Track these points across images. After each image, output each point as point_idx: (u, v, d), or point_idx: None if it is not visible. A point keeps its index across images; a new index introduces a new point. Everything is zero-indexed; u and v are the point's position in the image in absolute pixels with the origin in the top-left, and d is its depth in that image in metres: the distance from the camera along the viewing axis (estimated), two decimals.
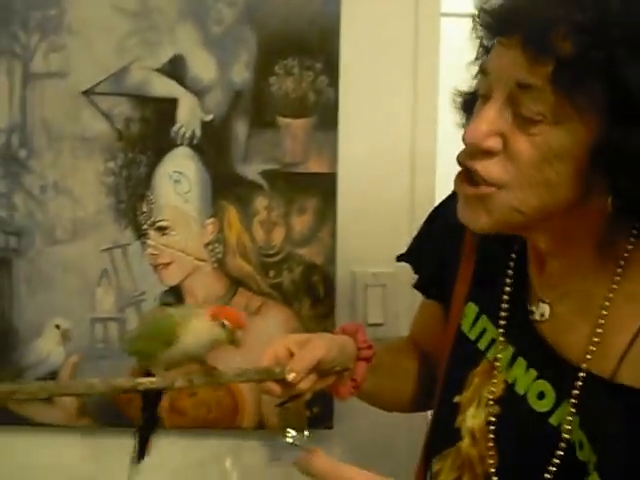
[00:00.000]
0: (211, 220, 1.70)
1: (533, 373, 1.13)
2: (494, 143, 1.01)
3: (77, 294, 1.71)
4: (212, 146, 1.69)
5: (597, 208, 1.02)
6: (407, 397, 1.41)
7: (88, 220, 1.70)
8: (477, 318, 1.24)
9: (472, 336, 1.24)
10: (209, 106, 1.68)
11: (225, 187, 1.69)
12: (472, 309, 1.25)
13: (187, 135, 1.68)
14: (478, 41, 1.10)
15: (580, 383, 1.07)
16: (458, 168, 1.08)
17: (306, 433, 1.17)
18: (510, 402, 1.15)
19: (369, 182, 1.75)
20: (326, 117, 1.70)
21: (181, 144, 1.68)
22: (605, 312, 1.07)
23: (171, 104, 1.68)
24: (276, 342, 1.19)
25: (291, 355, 1.18)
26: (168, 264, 1.70)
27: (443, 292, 1.33)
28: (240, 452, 1.78)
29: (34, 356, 1.71)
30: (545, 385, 1.11)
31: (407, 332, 1.55)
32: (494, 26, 1.03)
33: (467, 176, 1.05)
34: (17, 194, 1.69)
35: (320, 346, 1.19)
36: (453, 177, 1.12)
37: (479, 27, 1.07)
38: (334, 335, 1.31)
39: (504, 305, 1.19)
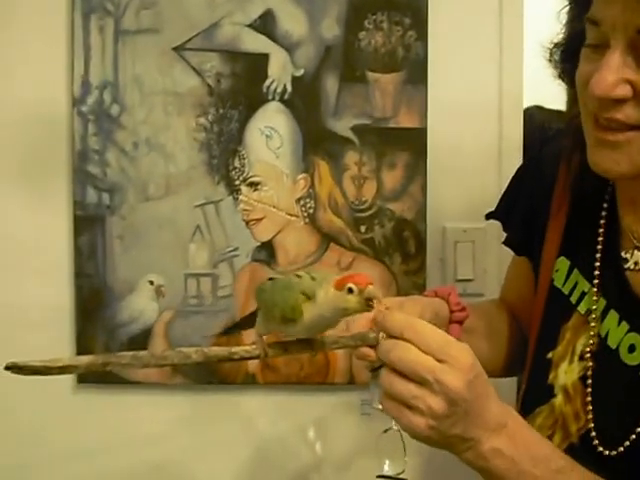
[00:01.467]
0: (302, 175, 1.70)
1: (625, 326, 1.12)
2: (624, 91, 1.01)
3: (170, 250, 1.71)
4: (303, 101, 1.69)
5: None
6: (501, 360, 1.40)
7: (180, 176, 1.70)
8: (570, 272, 1.23)
9: (565, 290, 1.23)
10: (300, 61, 1.68)
11: (316, 142, 1.69)
12: (564, 263, 1.24)
13: (278, 90, 1.68)
14: None
15: None
16: None
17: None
18: (603, 356, 1.14)
19: (458, 137, 1.74)
20: (415, 72, 1.70)
21: (272, 99, 1.68)
22: None
23: (262, 59, 1.68)
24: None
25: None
26: (260, 219, 1.70)
27: (533, 248, 1.32)
28: (331, 408, 1.77)
29: (128, 313, 1.71)
30: (636, 338, 1.10)
31: (497, 288, 1.56)
32: None
33: (599, 124, 1.05)
34: (109, 151, 1.69)
35: (414, 310, 1.18)
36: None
37: None
38: (427, 298, 1.30)
39: (597, 255, 1.19)
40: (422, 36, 1.70)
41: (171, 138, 1.68)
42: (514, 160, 1.68)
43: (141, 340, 1.71)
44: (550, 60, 1.19)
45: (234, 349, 1.03)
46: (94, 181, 1.69)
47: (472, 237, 1.75)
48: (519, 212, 1.37)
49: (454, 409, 0.94)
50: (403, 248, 1.73)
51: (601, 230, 1.20)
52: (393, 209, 1.72)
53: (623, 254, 1.15)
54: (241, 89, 1.68)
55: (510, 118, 1.76)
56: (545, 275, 1.28)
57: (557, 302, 1.24)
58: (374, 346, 1.07)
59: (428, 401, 0.94)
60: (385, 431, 1.16)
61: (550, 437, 1.17)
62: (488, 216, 1.44)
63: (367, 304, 0.99)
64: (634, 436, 1.06)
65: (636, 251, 1.14)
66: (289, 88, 1.68)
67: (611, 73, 0.99)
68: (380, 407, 1.03)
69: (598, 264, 1.19)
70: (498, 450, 0.98)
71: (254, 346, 1.05)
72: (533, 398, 1.23)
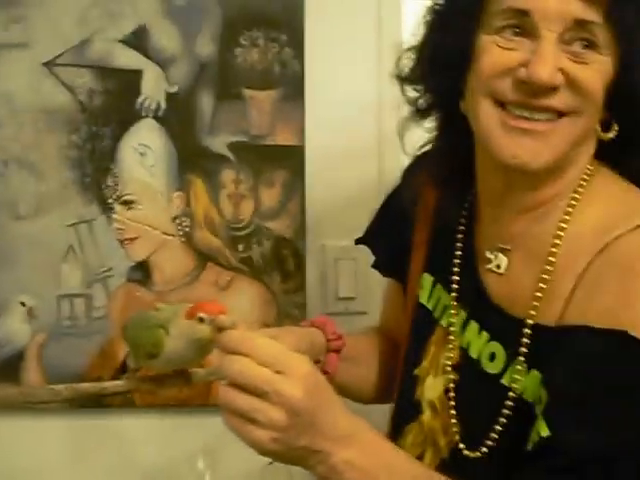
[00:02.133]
0: (178, 193, 1.67)
1: (484, 335, 1.13)
2: (560, 79, 1.03)
3: (42, 270, 1.67)
4: (177, 118, 1.66)
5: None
6: (378, 387, 1.40)
7: (52, 195, 1.66)
8: (433, 287, 1.25)
9: (430, 306, 1.24)
10: (174, 77, 1.66)
11: (191, 160, 1.66)
12: (428, 279, 1.26)
13: (152, 107, 1.65)
14: None
15: (527, 339, 1.07)
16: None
17: None
18: (465, 367, 1.15)
19: (337, 154, 1.73)
20: (292, 89, 1.68)
21: (146, 116, 1.65)
22: (552, 258, 1.08)
23: (135, 76, 1.65)
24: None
25: None
26: (135, 239, 1.67)
27: (402, 270, 1.34)
28: (214, 431, 1.73)
29: None
30: (495, 346, 1.11)
31: (379, 305, 1.54)
32: None
33: (514, 115, 1.05)
34: None
35: (287, 339, 1.17)
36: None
37: None
38: (302, 328, 1.31)
39: (455, 269, 1.20)
40: (299, 53, 1.69)
41: (42, 156, 1.64)
42: (394, 176, 1.66)
43: (13, 364, 1.66)
44: (413, 78, 1.19)
45: (105, 384, 1.04)
46: None
47: (353, 255, 1.73)
48: (386, 236, 1.38)
49: (296, 420, 0.93)
50: (282, 267, 1.71)
51: (459, 244, 1.21)
52: (271, 227, 1.70)
53: (488, 254, 1.16)
54: (114, 106, 1.64)
55: (390, 130, 1.73)
56: (411, 293, 1.30)
57: (422, 318, 1.26)
58: None
59: (269, 413, 0.92)
60: (270, 463, 1.18)
61: (421, 455, 1.18)
62: (357, 241, 1.46)
63: (214, 332, 0.99)
64: (495, 435, 1.07)
65: (500, 254, 1.14)
66: (163, 105, 1.65)
67: (550, 61, 1.01)
68: None
69: (457, 278, 1.20)
70: (350, 462, 0.96)
71: (126, 381, 1.04)
72: (402, 416, 1.24)
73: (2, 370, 1.66)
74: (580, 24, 1.03)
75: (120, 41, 1.65)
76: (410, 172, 1.36)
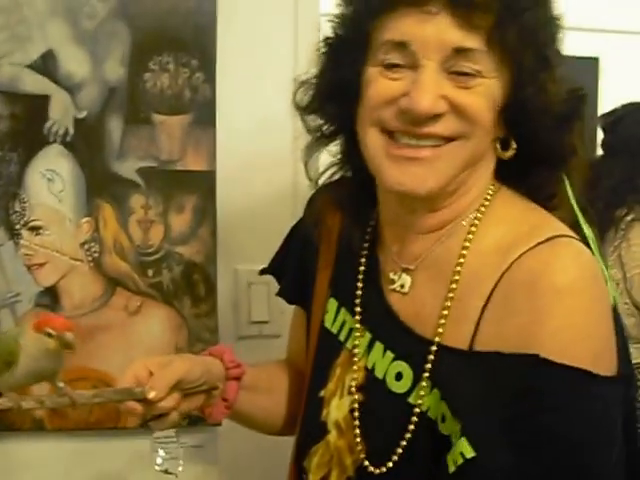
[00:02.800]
0: (86, 219, 1.66)
1: (390, 355, 1.15)
2: (443, 107, 1.06)
3: None
4: (86, 143, 1.65)
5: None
6: (283, 417, 1.41)
7: None
8: (338, 312, 1.27)
9: (334, 330, 1.27)
10: (82, 103, 1.65)
11: (100, 185, 1.66)
12: (333, 304, 1.28)
13: (60, 132, 1.64)
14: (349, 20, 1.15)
15: (432, 357, 1.10)
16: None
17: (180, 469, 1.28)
18: (371, 388, 1.17)
19: (249, 179, 1.74)
20: (203, 114, 1.69)
21: (54, 142, 1.64)
22: (457, 277, 1.10)
23: (43, 101, 1.63)
24: (135, 363, 1.19)
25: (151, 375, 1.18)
26: (43, 264, 1.65)
27: (306, 297, 1.36)
28: (125, 454, 1.73)
29: None
30: (402, 365, 1.14)
31: None
32: None
33: (398, 143, 1.09)
34: None
35: (180, 365, 1.20)
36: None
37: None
38: (199, 356, 1.32)
39: (358, 292, 1.23)
40: (210, 77, 1.69)
41: None
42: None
43: None
44: (311, 107, 1.22)
45: None
46: None
47: (266, 279, 1.71)
48: (290, 264, 1.41)
49: None
50: (193, 291, 1.72)
51: (362, 268, 1.24)
52: (182, 252, 1.71)
53: (391, 275, 1.18)
54: (21, 131, 1.62)
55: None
56: (316, 317, 1.32)
57: (328, 342, 1.28)
58: (142, 400, 1.12)
59: None
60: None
61: (327, 475, 1.21)
62: (262, 272, 1.48)
63: (67, 347, 1.06)
64: (400, 450, 1.11)
65: (403, 274, 1.17)
66: (71, 130, 1.64)
67: (429, 89, 1.04)
68: (160, 469, 1.07)
69: (359, 300, 1.23)
70: None
71: (6, 398, 1.06)
72: (308, 437, 1.26)
73: None
74: (460, 52, 1.05)
75: (27, 66, 1.63)
76: (313, 201, 1.38)
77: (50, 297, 1.68)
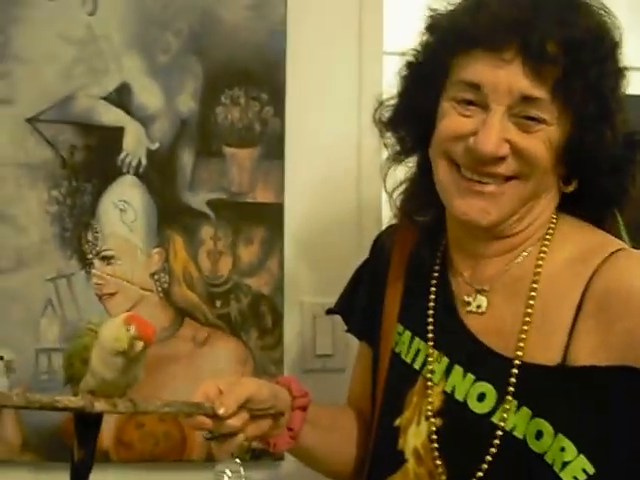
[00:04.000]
0: (157, 250, 1.68)
1: (470, 377, 1.16)
2: (505, 150, 1.12)
3: (21, 324, 1.67)
4: (158, 175, 1.67)
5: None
6: (344, 459, 1.40)
7: (32, 249, 1.67)
8: (411, 341, 1.28)
9: (408, 359, 1.27)
10: (155, 135, 1.67)
11: (171, 216, 1.68)
12: (406, 334, 1.29)
13: (133, 164, 1.66)
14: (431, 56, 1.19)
15: (517, 375, 1.12)
16: None
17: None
18: (451, 411, 1.18)
19: (316, 211, 1.75)
20: (272, 147, 1.70)
21: (127, 172, 1.67)
22: (533, 293, 1.14)
23: (117, 132, 1.66)
24: (205, 382, 1.20)
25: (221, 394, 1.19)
26: (113, 294, 1.67)
27: (375, 332, 1.36)
28: None
29: None
30: (484, 386, 1.15)
31: None
32: (480, 36, 1.11)
33: (465, 177, 1.15)
34: None
35: (250, 384, 1.21)
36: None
37: (444, 38, 1.16)
38: (267, 382, 1.32)
39: (430, 320, 1.25)
40: (279, 111, 1.71)
41: (23, 210, 1.64)
42: (373, 233, 1.67)
43: None
44: (390, 124, 1.27)
45: (58, 397, 1.04)
46: None
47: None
48: (359, 302, 1.41)
49: None
50: (260, 323, 1.72)
51: (432, 296, 1.26)
52: (250, 284, 1.71)
53: (466, 298, 1.21)
54: (95, 162, 1.65)
55: (370, 191, 1.76)
56: (385, 349, 1.32)
57: (400, 370, 1.28)
58: (211, 417, 1.12)
59: None
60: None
61: None
62: (329, 312, 1.49)
63: (130, 347, 1.06)
64: (481, 473, 1.12)
65: (478, 295, 1.20)
66: (144, 161, 1.66)
67: (495, 133, 1.10)
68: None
69: (432, 327, 1.24)
70: None
71: (80, 397, 1.05)
72: (383, 467, 1.26)
73: None
74: (527, 99, 1.10)
75: (103, 98, 1.66)
76: (380, 238, 1.42)
77: None
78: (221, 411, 1.14)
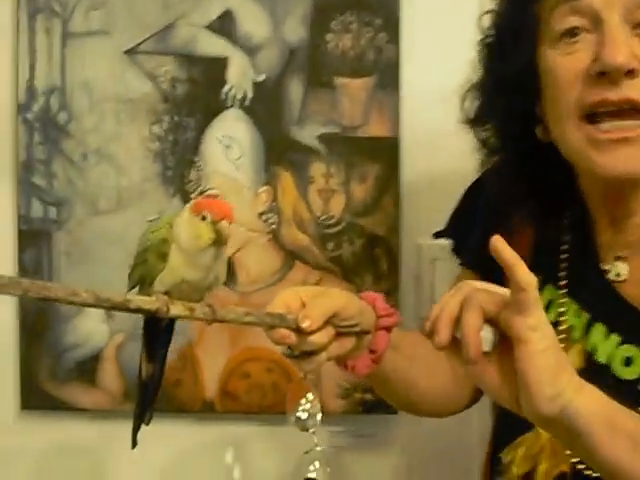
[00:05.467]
0: (264, 188, 1.59)
1: (615, 338, 1.05)
2: (635, 62, 0.98)
3: (121, 267, 1.55)
4: (265, 108, 1.58)
5: None
6: (424, 391, 1.26)
7: (133, 189, 1.59)
8: (541, 289, 1.12)
9: None
10: (261, 65, 1.58)
11: (279, 152, 1.58)
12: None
13: (238, 96, 1.57)
14: None
15: None
16: None
17: (318, 418, 1.07)
18: (591, 373, 1.03)
19: (434, 146, 1.61)
20: (386, 76, 1.58)
21: (231, 106, 1.57)
22: None
23: (220, 63, 1.57)
24: (286, 291, 1.05)
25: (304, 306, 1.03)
26: None
27: (487, 263, 1.22)
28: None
29: (74, 336, 1.60)
30: (631, 350, 1.03)
31: None
32: None
33: (599, 128, 1.01)
34: (56, 161, 1.58)
35: (337, 297, 1.05)
36: None
37: None
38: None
39: (565, 269, 1.13)
40: (394, 38, 1.58)
41: (122, 148, 1.58)
42: None
43: (90, 365, 1.60)
44: (482, 116, 1.16)
45: (130, 296, 0.90)
46: (40, 194, 1.58)
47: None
48: (474, 236, 1.28)
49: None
50: (374, 267, 1.60)
51: (566, 246, 1.15)
52: (363, 224, 1.60)
53: (602, 266, 1.10)
54: (198, 95, 1.57)
55: None
56: None
57: None
58: (293, 329, 0.98)
59: None
60: (307, 452, 1.09)
61: (534, 468, 1.09)
62: (437, 235, 1.37)
63: (217, 239, 0.92)
64: None
65: (618, 262, 1.08)
66: (250, 94, 1.57)
67: (621, 42, 0.97)
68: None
69: (573, 280, 1.12)
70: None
71: (154, 297, 0.92)
72: (511, 427, 1.13)
73: (78, 371, 1.60)
74: None
75: (205, 27, 1.57)
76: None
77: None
78: (305, 324, 0.99)
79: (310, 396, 1.09)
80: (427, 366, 1.25)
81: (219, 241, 0.94)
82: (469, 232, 1.31)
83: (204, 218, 0.93)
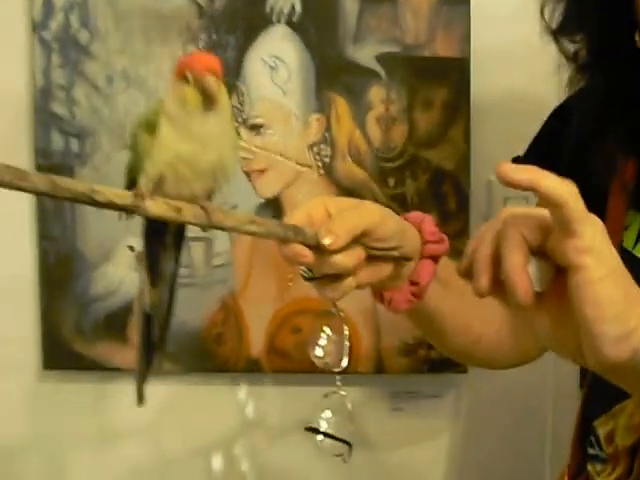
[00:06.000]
0: (316, 116, 1.43)
1: None
2: None
3: None
4: (315, 24, 1.42)
5: None
6: (474, 333, 1.07)
7: None
8: None
9: (638, 252, 0.99)
10: None
11: (333, 75, 1.43)
12: (636, 219, 1.02)
13: (284, 10, 1.42)
14: None
15: None
16: None
17: (344, 363, 0.96)
18: None
19: (509, 67, 1.46)
20: None
21: (277, 22, 1.42)
22: None
23: None
24: (313, 200, 0.88)
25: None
26: (264, 170, 1.44)
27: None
28: (356, 402, 1.49)
29: (103, 284, 1.46)
30: None
31: None
32: None
33: None
34: (78, 87, 1.43)
35: (371, 211, 0.87)
36: None
37: None
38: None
39: None
40: None
41: (153, 70, 1.42)
42: None
43: (120, 316, 1.46)
44: (569, 26, 1.04)
45: (98, 187, 0.73)
46: (60, 124, 1.43)
47: (525, 193, 1.43)
48: (559, 160, 1.11)
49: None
50: (441, 206, 1.45)
51: None
52: (428, 158, 1.44)
53: None
54: (238, 9, 1.42)
55: None
56: (612, 236, 1.00)
57: (629, 269, 0.96)
58: (312, 246, 0.81)
59: None
60: (326, 395, 1.00)
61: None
62: (515, 160, 1.20)
63: (204, 100, 0.78)
64: None
65: None
66: (298, 7, 1.42)
67: None
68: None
69: None
70: None
71: (132, 194, 0.76)
72: (607, 393, 0.96)
73: (107, 324, 1.47)
74: None
75: None
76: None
77: (272, 210, 1.45)
78: (327, 241, 0.82)
79: (328, 330, 0.95)
80: (481, 306, 1.03)
81: (208, 102, 0.78)
82: (552, 163, 1.13)
83: (187, 79, 0.79)
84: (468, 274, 0.70)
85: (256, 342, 1.46)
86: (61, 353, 1.46)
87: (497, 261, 0.67)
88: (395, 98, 1.43)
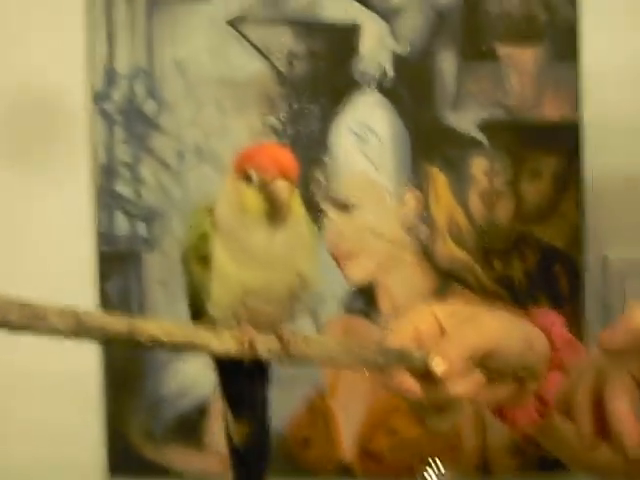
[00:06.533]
0: (412, 192, 1.35)
1: None
2: None
3: None
4: (409, 89, 1.35)
5: None
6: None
7: None
8: None
9: None
10: (403, 33, 1.34)
11: (430, 145, 1.35)
12: None
13: (374, 74, 1.35)
14: None
15: None
16: None
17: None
18: None
19: (625, 132, 1.35)
20: (563, 44, 1.33)
21: (366, 87, 1.35)
22: None
23: (350, 32, 1.35)
24: (419, 311, 0.78)
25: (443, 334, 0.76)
26: (354, 254, 1.36)
27: None
28: None
29: (175, 384, 1.38)
30: None
31: None
32: None
33: None
34: (145, 164, 1.37)
35: (492, 325, 0.76)
36: None
37: None
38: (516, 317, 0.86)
39: None
40: None
41: (228, 145, 1.35)
42: None
43: (193, 419, 1.37)
44: None
45: (140, 322, 0.62)
46: (125, 205, 1.37)
47: None
48: None
49: None
50: (552, 289, 1.34)
51: None
52: (538, 235, 1.34)
53: None
54: (322, 74, 1.35)
55: None
56: None
57: None
58: (420, 373, 0.71)
59: None
60: None
61: None
62: None
63: (271, 209, 0.66)
64: None
65: None
66: (390, 71, 1.34)
67: None
68: None
69: None
70: None
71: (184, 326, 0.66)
72: None
73: (179, 428, 1.38)
74: None
75: None
76: None
77: (364, 298, 1.36)
78: (440, 368, 0.72)
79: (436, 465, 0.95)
80: None
81: (276, 213, 0.66)
82: None
83: (249, 179, 0.66)
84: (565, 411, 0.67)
85: (348, 445, 1.36)
86: (129, 458, 1.38)
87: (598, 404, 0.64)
88: (499, 169, 1.34)
